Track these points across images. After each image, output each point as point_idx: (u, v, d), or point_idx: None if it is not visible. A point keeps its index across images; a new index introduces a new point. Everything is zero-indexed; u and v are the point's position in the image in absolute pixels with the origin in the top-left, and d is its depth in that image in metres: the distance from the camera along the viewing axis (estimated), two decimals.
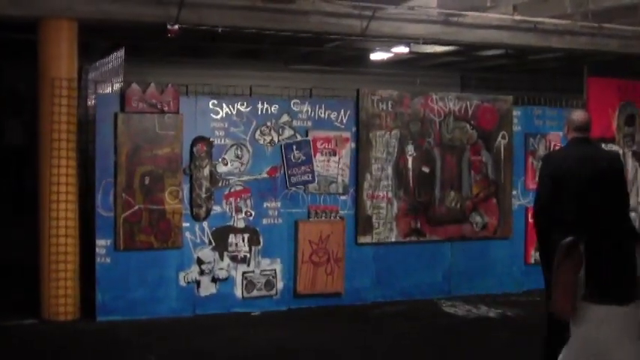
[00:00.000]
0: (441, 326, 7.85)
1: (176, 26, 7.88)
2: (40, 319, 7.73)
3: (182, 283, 7.94)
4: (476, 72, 15.27)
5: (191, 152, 7.89)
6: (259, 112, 8.18)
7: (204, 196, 7.94)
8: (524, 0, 9.00)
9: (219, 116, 8.02)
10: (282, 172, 8.24)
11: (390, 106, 8.67)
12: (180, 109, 7.84)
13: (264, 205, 8.20)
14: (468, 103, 9.06)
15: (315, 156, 8.33)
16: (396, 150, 8.69)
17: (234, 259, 8.12)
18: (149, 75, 10.21)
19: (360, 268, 8.62)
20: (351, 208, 8.53)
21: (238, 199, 8.10)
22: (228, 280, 8.10)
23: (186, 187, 7.88)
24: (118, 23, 8.14)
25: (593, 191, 5.00)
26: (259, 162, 8.18)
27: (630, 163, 9.85)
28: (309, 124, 8.37)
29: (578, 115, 6.03)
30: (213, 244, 8.03)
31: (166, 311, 7.85)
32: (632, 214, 8.87)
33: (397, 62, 13.66)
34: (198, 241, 7.99)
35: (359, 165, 8.54)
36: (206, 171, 7.94)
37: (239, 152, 8.10)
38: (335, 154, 8.46)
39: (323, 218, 8.43)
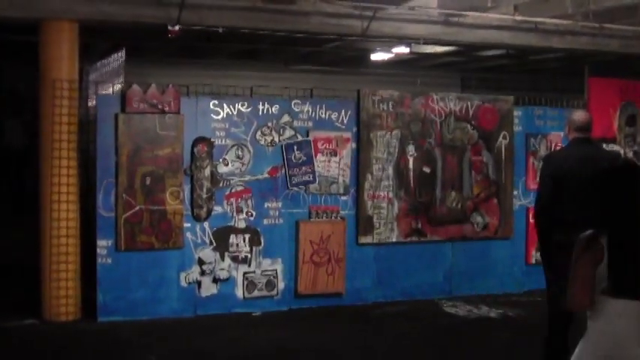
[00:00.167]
0: (441, 326, 7.85)
1: (177, 27, 7.88)
2: (41, 319, 7.72)
3: (183, 283, 7.94)
4: (476, 72, 15.28)
5: (192, 153, 7.88)
6: (260, 113, 8.17)
7: (205, 196, 7.94)
8: (524, 0, 9.00)
9: (219, 117, 8.02)
10: (282, 172, 8.24)
11: (390, 106, 8.67)
12: (181, 109, 7.84)
13: (265, 206, 8.20)
14: (469, 103, 9.06)
15: (315, 156, 8.33)
16: (396, 150, 8.69)
17: (235, 259, 8.12)
18: (150, 76, 10.25)
19: (361, 268, 8.61)
20: (351, 208, 8.53)
21: (239, 199, 8.10)
22: (229, 281, 8.10)
23: (187, 188, 7.88)
24: (119, 24, 8.13)
25: (594, 191, 4.99)
26: (260, 162, 8.17)
27: None
28: (310, 124, 8.37)
29: (579, 116, 6.04)
30: (214, 244, 8.03)
31: (167, 312, 7.85)
32: None
33: (398, 62, 13.68)
34: (199, 241, 7.98)
35: (360, 165, 8.53)
36: (207, 171, 7.93)
37: (240, 152, 8.10)
38: (336, 155, 8.45)
39: (324, 218, 8.42)
